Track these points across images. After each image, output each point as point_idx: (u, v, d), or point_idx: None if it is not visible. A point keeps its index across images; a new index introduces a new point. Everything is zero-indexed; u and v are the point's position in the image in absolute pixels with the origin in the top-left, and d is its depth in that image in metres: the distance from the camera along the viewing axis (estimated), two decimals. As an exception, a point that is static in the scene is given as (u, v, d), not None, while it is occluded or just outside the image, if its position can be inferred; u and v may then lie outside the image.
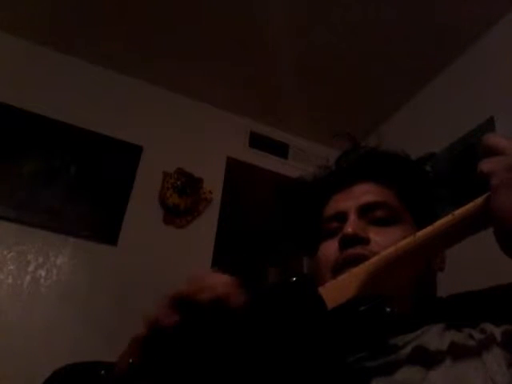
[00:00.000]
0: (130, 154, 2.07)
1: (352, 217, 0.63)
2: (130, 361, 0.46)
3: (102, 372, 0.49)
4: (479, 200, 0.40)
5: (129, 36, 2.04)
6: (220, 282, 0.43)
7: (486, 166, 0.38)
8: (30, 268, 1.73)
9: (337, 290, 0.43)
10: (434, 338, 0.54)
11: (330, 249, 0.63)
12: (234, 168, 2.30)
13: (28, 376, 1.12)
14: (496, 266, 0.81)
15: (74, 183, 1.92)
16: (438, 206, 0.69)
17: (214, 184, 2.18)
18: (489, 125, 1.64)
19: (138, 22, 1.98)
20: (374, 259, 0.45)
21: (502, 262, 0.44)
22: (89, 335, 1.64)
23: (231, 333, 0.42)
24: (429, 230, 0.43)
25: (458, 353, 0.49)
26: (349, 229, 0.60)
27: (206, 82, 2.25)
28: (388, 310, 0.40)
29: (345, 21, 1.88)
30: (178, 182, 2.04)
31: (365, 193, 0.66)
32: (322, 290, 0.43)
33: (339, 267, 0.58)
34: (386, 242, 0.57)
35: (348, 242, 0.60)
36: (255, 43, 2.01)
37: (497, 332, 0.49)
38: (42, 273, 1.73)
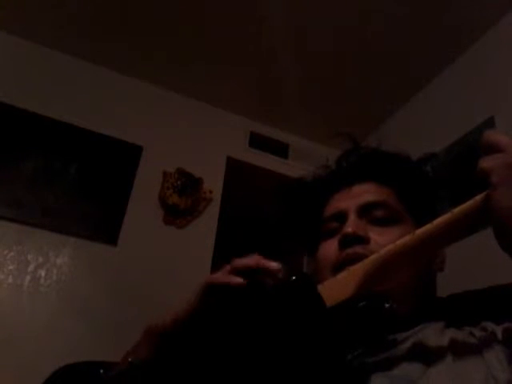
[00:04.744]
0: (130, 154, 2.07)
1: (352, 216, 0.63)
2: (130, 359, 0.46)
3: (101, 371, 0.49)
4: (478, 197, 0.40)
5: (130, 36, 2.04)
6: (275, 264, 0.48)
7: (485, 163, 0.38)
8: (30, 268, 1.73)
9: (336, 288, 0.44)
10: (434, 334, 0.54)
11: (329, 248, 0.63)
12: (234, 168, 2.30)
13: (28, 376, 1.12)
14: (496, 266, 0.81)
15: (74, 183, 1.92)
16: (438, 206, 0.69)
17: (214, 184, 2.18)
18: (489, 125, 1.64)
19: (140, 23, 1.98)
20: (372, 257, 0.45)
21: (501, 261, 0.44)
22: (89, 335, 1.65)
23: (232, 331, 0.42)
24: (428, 227, 0.43)
25: (458, 349, 0.49)
26: (349, 228, 0.60)
27: (206, 82, 2.26)
28: (387, 306, 0.40)
29: (345, 22, 1.88)
30: (178, 182, 2.04)
31: (365, 192, 0.66)
32: (320, 289, 0.43)
33: (339, 267, 0.58)
34: (385, 242, 0.56)
35: (348, 241, 0.60)
36: (255, 44, 2.01)
37: (498, 330, 0.49)
38: (42, 273, 1.73)
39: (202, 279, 0.52)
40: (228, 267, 0.50)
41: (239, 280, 0.47)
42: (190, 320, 0.48)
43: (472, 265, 1.43)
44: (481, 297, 0.74)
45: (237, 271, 0.49)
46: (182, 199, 2.03)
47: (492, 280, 0.74)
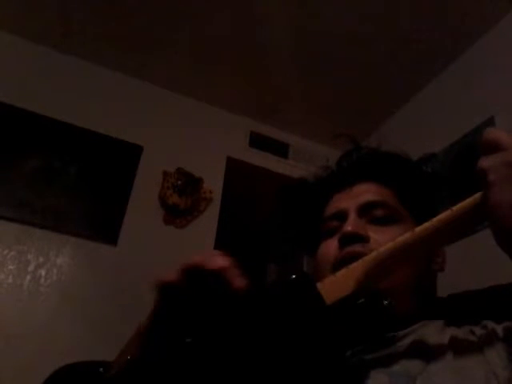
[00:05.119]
0: (130, 154, 2.07)
1: (352, 215, 0.63)
2: (129, 357, 0.46)
3: (101, 369, 0.49)
4: (477, 195, 0.40)
5: (129, 36, 2.05)
6: (224, 261, 0.45)
7: (484, 162, 0.38)
8: (30, 268, 1.72)
9: (335, 286, 0.44)
10: (434, 331, 0.54)
11: (329, 247, 0.63)
12: (234, 168, 2.30)
13: (28, 376, 1.12)
14: (496, 266, 0.81)
15: (74, 183, 1.92)
16: (438, 206, 0.69)
17: (214, 184, 2.18)
18: (489, 125, 1.64)
19: (139, 23, 1.98)
20: (372, 255, 0.45)
21: (501, 261, 0.44)
22: (89, 335, 1.64)
23: (231, 328, 0.42)
24: (427, 225, 0.43)
25: (458, 347, 0.49)
26: (348, 227, 0.61)
27: (206, 82, 2.26)
28: (385, 303, 0.41)
29: (345, 21, 1.88)
30: (178, 182, 2.04)
31: (365, 192, 0.66)
32: (320, 286, 0.43)
33: (338, 265, 0.58)
34: (385, 241, 0.56)
35: (347, 240, 0.60)
36: (256, 44, 2.01)
37: (498, 328, 0.49)
38: (42, 273, 1.73)
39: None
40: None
41: (175, 276, 0.45)
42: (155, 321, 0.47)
43: (472, 265, 1.43)
44: (481, 297, 0.74)
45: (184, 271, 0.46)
46: (181, 199, 2.03)
47: (492, 280, 0.74)
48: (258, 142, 2.42)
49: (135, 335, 0.51)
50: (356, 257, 0.54)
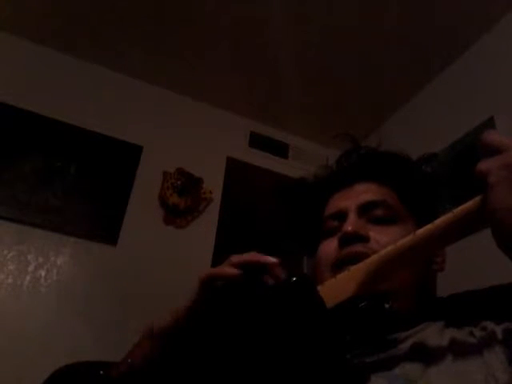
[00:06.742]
0: (130, 154, 2.07)
1: (352, 215, 0.63)
2: (129, 361, 0.46)
3: (101, 372, 0.49)
4: (478, 198, 0.40)
5: (129, 36, 2.04)
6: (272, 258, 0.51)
7: (483, 165, 0.38)
8: (30, 268, 1.72)
9: (336, 289, 0.44)
10: (434, 334, 0.54)
11: (329, 247, 0.63)
12: (234, 168, 2.30)
13: (28, 376, 1.12)
14: (496, 266, 0.81)
15: (74, 183, 1.92)
16: (439, 206, 0.69)
17: (214, 184, 2.18)
18: (489, 125, 1.64)
19: (139, 23, 1.98)
20: (373, 257, 0.45)
21: (501, 261, 0.44)
22: (89, 335, 1.64)
23: (231, 331, 0.42)
24: (428, 227, 0.43)
25: (458, 349, 0.49)
26: (348, 227, 0.61)
27: (206, 82, 2.26)
28: (387, 306, 0.41)
29: (344, 21, 1.88)
30: (178, 182, 2.04)
31: (364, 192, 0.66)
32: (321, 289, 0.43)
33: (338, 265, 0.59)
34: (385, 241, 0.57)
35: (347, 239, 0.60)
36: (255, 43, 2.01)
37: (498, 329, 0.49)
38: (42, 273, 1.73)
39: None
40: (226, 263, 0.52)
41: (235, 271, 0.50)
42: (190, 319, 0.48)
43: (472, 265, 1.43)
44: (481, 297, 0.73)
45: (235, 267, 0.51)
46: (181, 199, 2.03)
47: (492, 280, 0.74)
48: (258, 142, 2.42)
49: (145, 337, 0.51)
50: (356, 256, 0.54)
